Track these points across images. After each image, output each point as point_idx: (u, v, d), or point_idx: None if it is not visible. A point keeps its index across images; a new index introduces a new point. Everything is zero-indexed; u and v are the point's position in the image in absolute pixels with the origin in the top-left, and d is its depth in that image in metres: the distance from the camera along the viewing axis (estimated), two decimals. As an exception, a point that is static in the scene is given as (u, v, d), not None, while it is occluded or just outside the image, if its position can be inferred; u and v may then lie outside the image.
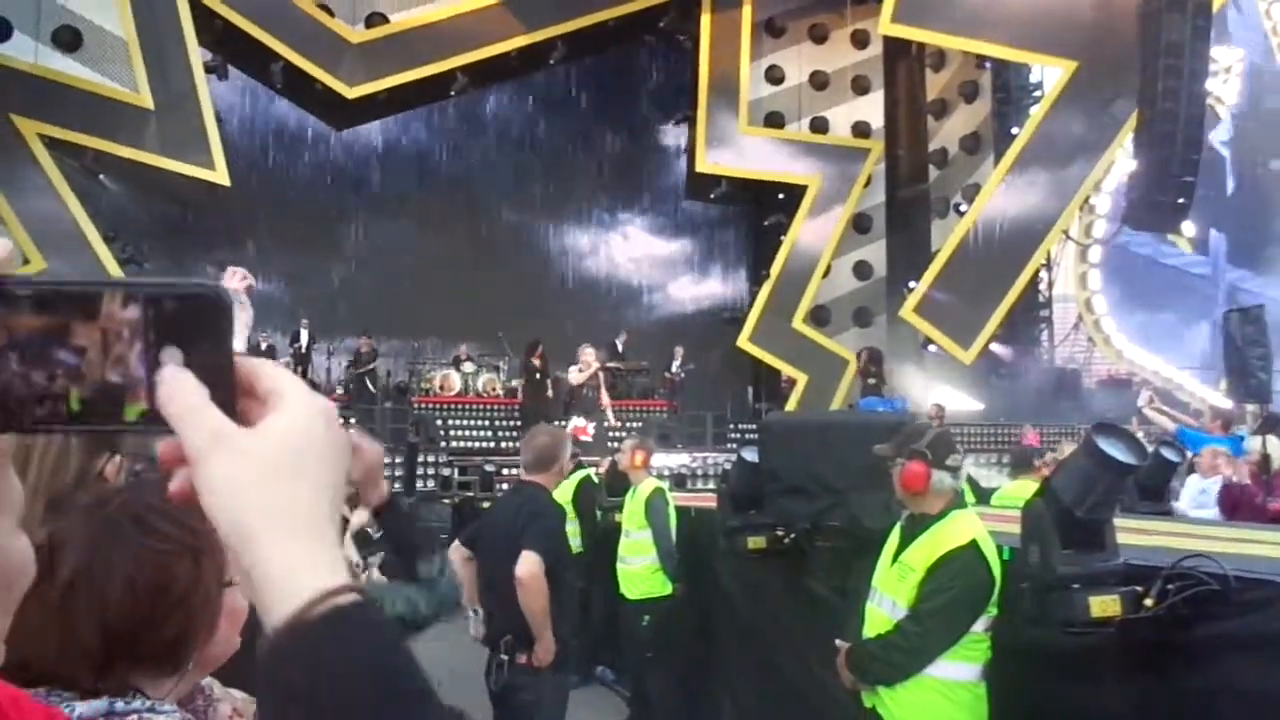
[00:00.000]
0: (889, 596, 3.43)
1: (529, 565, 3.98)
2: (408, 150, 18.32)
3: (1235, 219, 18.37)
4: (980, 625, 3.29)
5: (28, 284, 0.59)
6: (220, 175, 14.11)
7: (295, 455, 0.61)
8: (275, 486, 0.60)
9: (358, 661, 0.57)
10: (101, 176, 14.33)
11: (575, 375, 14.75)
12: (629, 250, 19.32)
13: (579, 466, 8.32)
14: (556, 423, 12.40)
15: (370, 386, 15.62)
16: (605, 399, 14.88)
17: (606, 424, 14.43)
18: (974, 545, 3.28)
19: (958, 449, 3.55)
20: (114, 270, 12.60)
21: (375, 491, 2.36)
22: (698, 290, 19.46)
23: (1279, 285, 19.81)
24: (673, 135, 18.86)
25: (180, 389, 0.60)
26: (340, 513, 0.62)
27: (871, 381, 14.73)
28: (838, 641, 3.56)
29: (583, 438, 12.01)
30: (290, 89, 16.32)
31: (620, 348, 16.30)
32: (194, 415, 0.60)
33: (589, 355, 14.75)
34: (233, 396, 0.62)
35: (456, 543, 4.62)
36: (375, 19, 16.38)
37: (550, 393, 15.20)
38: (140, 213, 15.23)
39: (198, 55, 14.39)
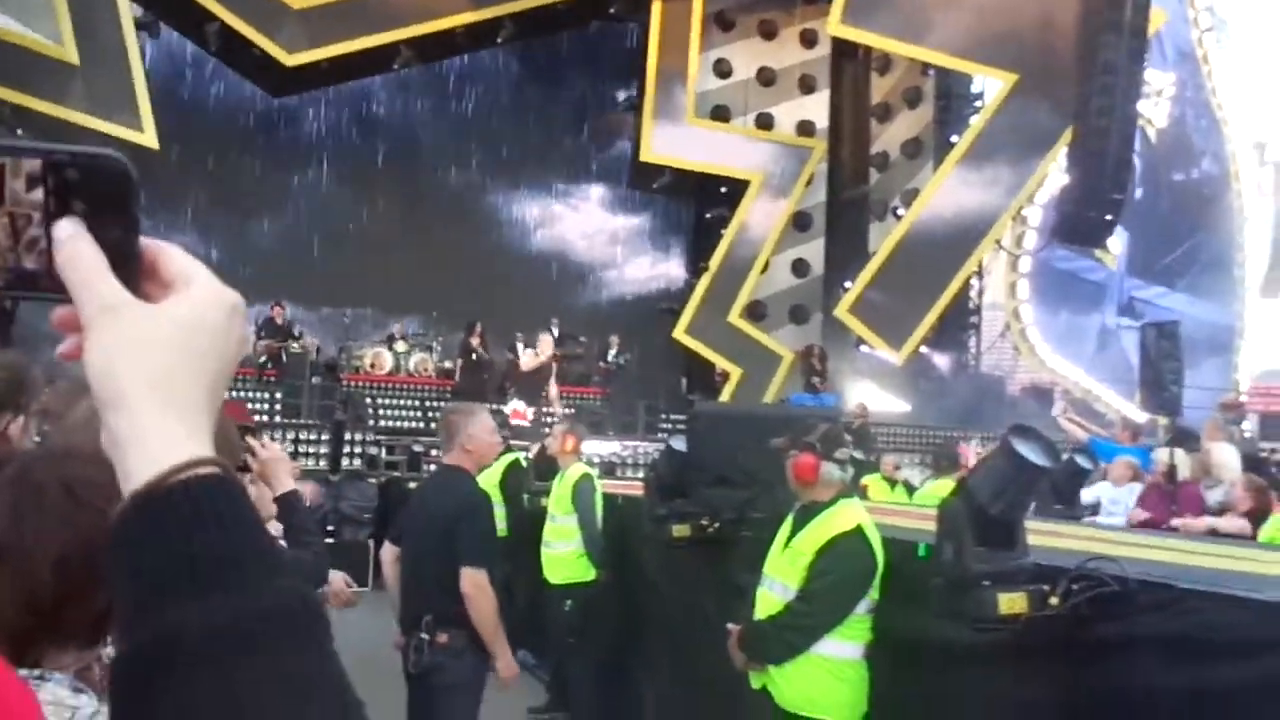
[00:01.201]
0: (779, 580, 3.60)
1: (474, 580, 3.93)
2: (347, 114, 17.92)
3: (1139, 228, 18.97)
4: (863, 607, 3.50)
5: None
6: (149, 138, 13.67)
7: (186, 332, 0.61)
8: (158, 357, 0.60)
9: (208, 529, 0.56)
10: (19, 132, 13.78)
11: (528, 359, 14.65)
12: (567, 233, 19.24)
13: (508, 449, 8.30)
14: (493, 406, 12.35)
15: (282, 359, 14.76)
16: (554, 389, 14.78)
17: (547, 409, 14.40)
18: (859, 530, 3.51)
19: (847, 443, 3.78)
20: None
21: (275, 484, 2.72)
22: (635, 278, 19.47)
23: (1174, 296, 20.55)
24: (617, 122, 18.81)
25: (77, 253, 0.60)
26: (219, 402, 0.63)
27: (815, 380, 14.92)
28: (729, 625, 3.69)
29: (516, 421, 11.98)
30: (226, 52, 15.85)
31: (556, 332, 16.27)
32: (90, 281, 0.60)
33: (547, 342, 14.69)
34: (135, 273, 0.62)
35: (387, 544, 4.56)
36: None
37: (487, 375, 15.11)
38: None
39: (129, 10, 13.91)
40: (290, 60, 15.33)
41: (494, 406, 12.98)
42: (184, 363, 0.60)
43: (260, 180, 17.17)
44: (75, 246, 0.60)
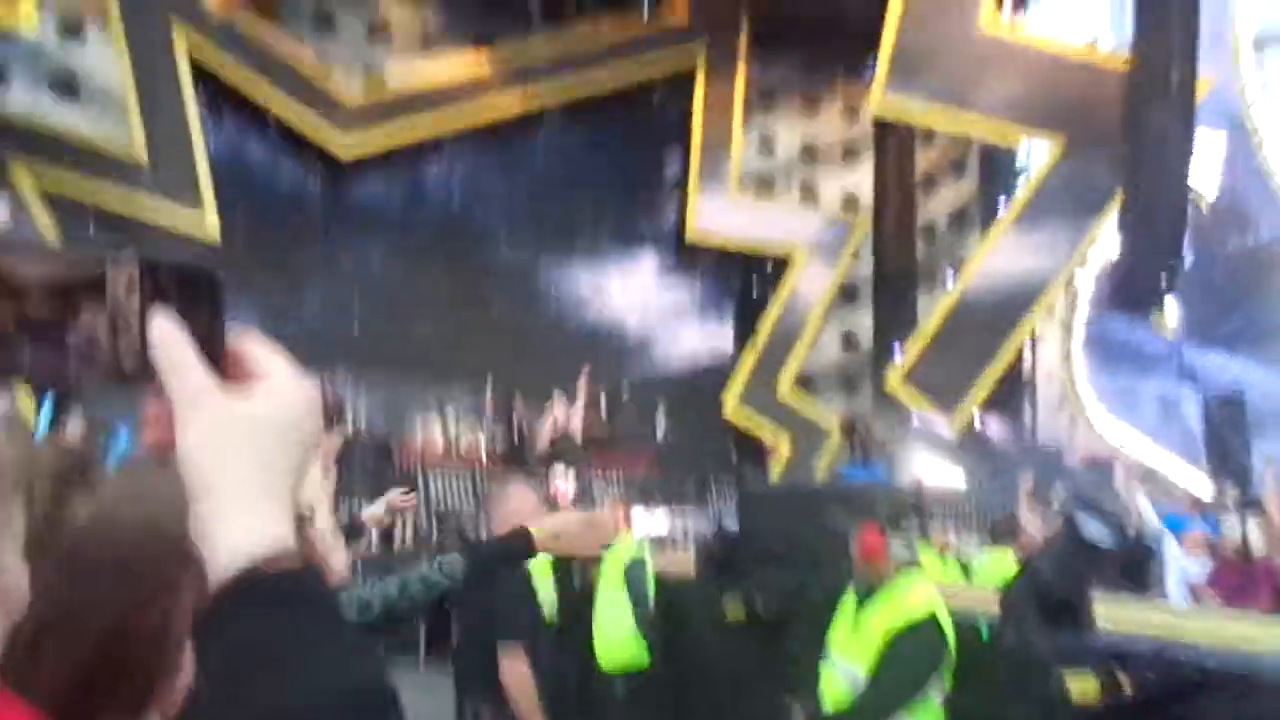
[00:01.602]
0: (846, 661, 3.48)
1: (509, 666, 3.82)
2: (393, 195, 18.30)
3: (1194, 297, 18.60)
4: (936, 694, 3.38)
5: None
6: (211, 231, 14.14)
7: (270, 426, 0.64)
8: (250, 450, 0.62)
9: (291, 624, 0.58)
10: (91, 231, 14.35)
11: (542, 440, 14.51)
12: (612, 313, 19.34)
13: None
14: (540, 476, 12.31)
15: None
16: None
17: (591, 479, 14.28)
18: (932, 616, 3.41)
19: (909, 515, 3.71)
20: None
21: None
22: (683, 355, 19.48)
23: (1235, 363, 19.96)
24: (665, 202, 19.04)
25: (170, 340, 0.64)
26: (299, 492, 0.65)
27: (857, 451, 14.73)
28: (795, 706, 3.58)
29: (558, 500, 11.85)
30: (283, 143, 16.46)
31: (603, 401, 16.22)
32: (180, 368, 0.63)
33: (557, 408, 14.59)
34: (222, 364, 0.65)
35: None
36: (373, 80, 16.61)
37: (527, 451, 15.04)
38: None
39: (195, 109, 14.53)
40: (346, 155, 15.85)
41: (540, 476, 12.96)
42: (268, 453, 0.63)
43: (313, 258, 17.47)
44: (167, 333, 0.64)
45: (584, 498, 12.80)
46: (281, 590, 0.59)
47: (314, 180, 17.15)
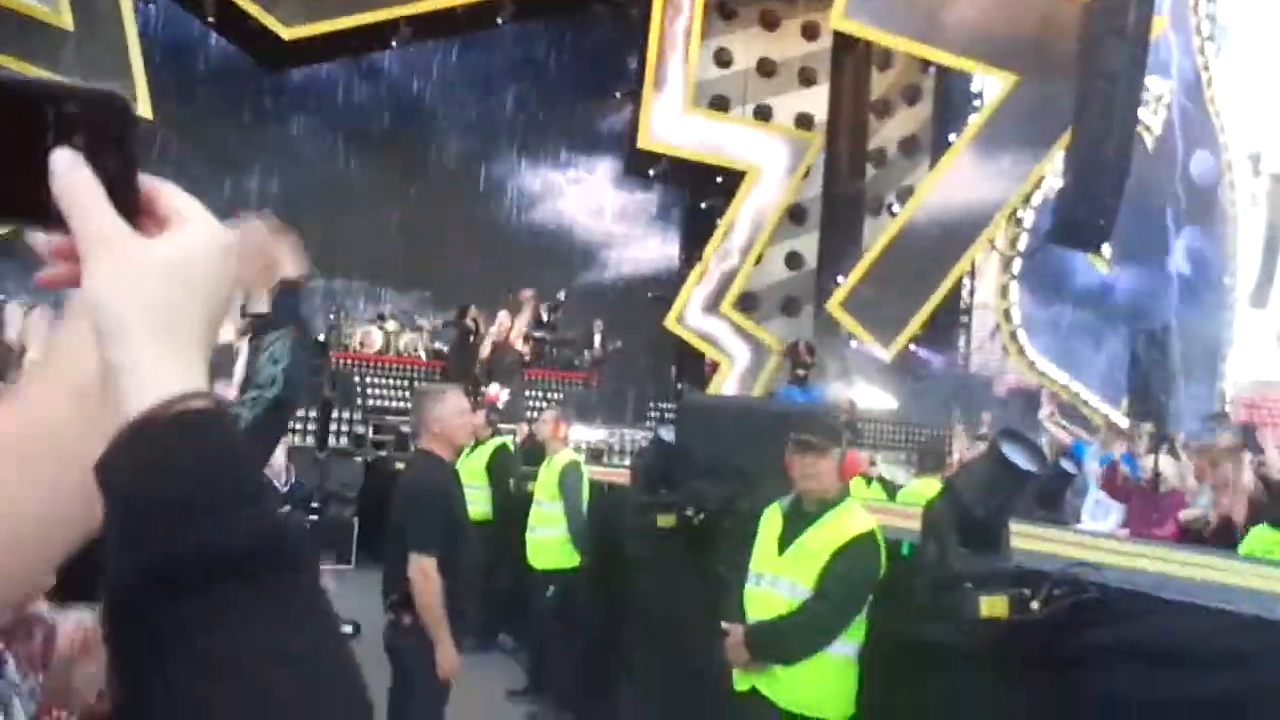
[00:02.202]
0: (786, 578, 3.56)
1: (420, 566, 3.92)
2: (341, 81, 17.68)
3: (1128, 233, 18.99)
4: (864, 610, 3.53)
5: None
6: (143, 107, 13.54)
7: (184, 271, 0.61)
8: (156, 291, 0.60)
9: (200, 464, 0.55)
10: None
11: (485, 347, 14.48)
12: (559, 216, 19.13)
13: (496, 433, 8.30)
14: (477, 389, 12.32)
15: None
16: (498, 391, 14.18)
17: (527, 393, 14.35)
18: (872, 533, 3.55)
19: (842, 437, 3.84)
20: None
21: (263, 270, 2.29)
22: (625, 264, 19.40)
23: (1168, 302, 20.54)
24: (614, 109, 18.72)
25: (76, 181, 0.60)
26: (213, 339, 0.63)
27: (800, 372, 14.93)
28: (725, 624, 3.66)
29: (494, 403, 11.93)
30: (221, 22, 15.69)
31: (545, 315, 16.20)
32: (88, 210, 0.60)
33: (504, 319, 14.57)
34: (133, 208, 0.62)
35: None
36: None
37: (477, 358, 14.98)
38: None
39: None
40: (288, 34, 15.18)
41: (482, 389, 12.98)
42: (181, 298, 0.61)
43: (252, 142, 16.90)
44: (73, 175, 0.60)
45: (518, 407, 12.86)
46: (190, 424, 0.56)
47: (250, 60, 16.45)
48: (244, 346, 2.65)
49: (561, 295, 16.34)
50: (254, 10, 14.94)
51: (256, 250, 2.31)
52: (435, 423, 4.15)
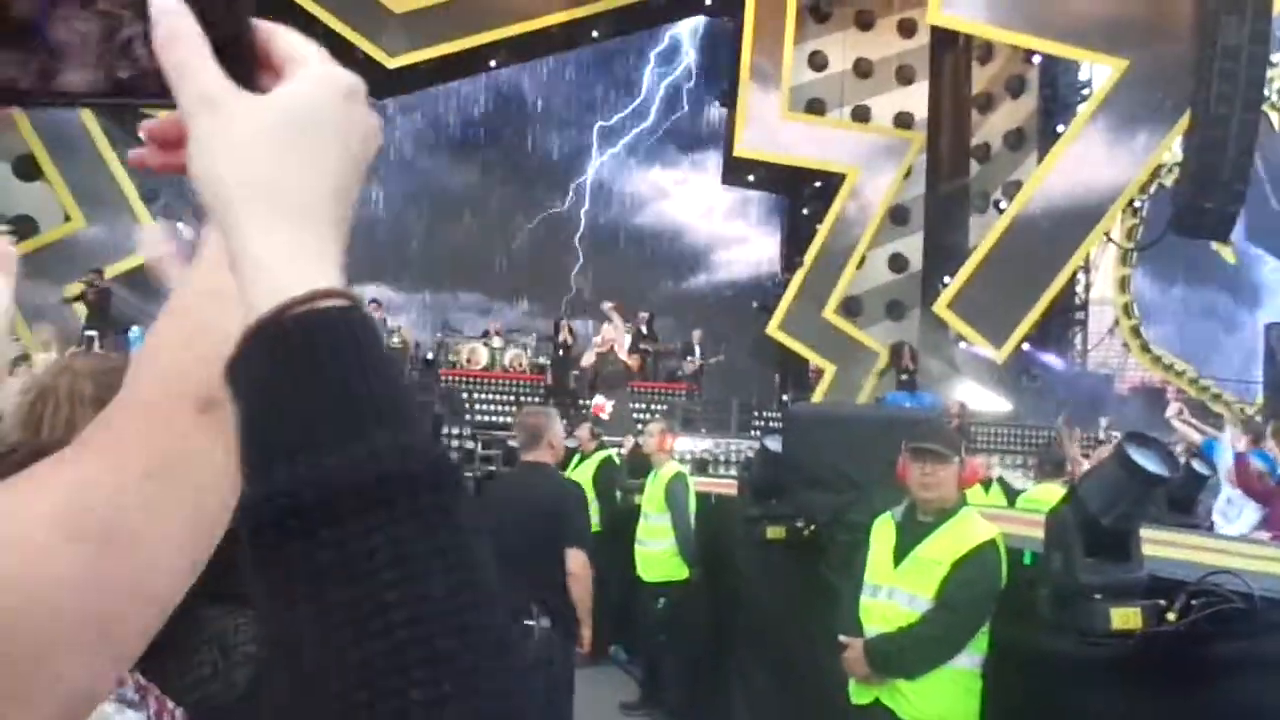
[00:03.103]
0: (904, 590, 3.48)
1: (580, 561, 4.34)
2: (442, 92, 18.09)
3: (1260, 222, 17.97)
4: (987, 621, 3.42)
5: None
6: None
7: (295, 127, 0.52)
8: (263, 158, 0.51)
9: (325, 378, 0.46)
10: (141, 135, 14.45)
11: (588, 356, 14.62)
12: (662, 226, 19.19)
13: (601, 446, 8.36)
14: (576, 402, 12.44)
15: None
16: (604, 403, 14.29)
17: (631, 405, 14.42)
18: (995, 542, 3.44)
19: (955, 443, 3.73)
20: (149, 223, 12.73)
21: None
22: (723, 269, 19.32)
23: None
24: (712, 117, 18.72)
25: (177, 30, 0.52)
26: (348, 210, 0.53)
27: (905, 377, 14.63)
28: (843, 638, 3.59)
29: (599, 415, 12.04)
30: (330, 54, 16.30)
31: (644, 329, 16.27)
32: (189, 65, 0.52)
33: (607, 330, 14.69)
34: (248, 65, 0.53)
35: None
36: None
37: (576, 371, 15.19)
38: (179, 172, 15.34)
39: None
40: (392, 63, 15.71)
41: (583, 401, 13.10)
42: (297, 162, 0.51)
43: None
44: (175, 23, 0.52)
45: (623, 419, 12.94)
46: (327, 326, 0.47)
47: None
48: None
49: (669, 303, 16.38)
50: (359, 41, 15.50)
51: None
52: (555, 439, 4.56)
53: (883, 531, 3.68)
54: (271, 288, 0.48)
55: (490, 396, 15.29)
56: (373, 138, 0.56)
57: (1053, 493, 5.46)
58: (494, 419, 14.60)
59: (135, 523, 0.58)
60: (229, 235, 0.50)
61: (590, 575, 4.37)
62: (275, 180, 0.51)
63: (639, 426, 9.37)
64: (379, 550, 0.44)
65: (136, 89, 0.53)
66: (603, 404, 13.30)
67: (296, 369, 0.47)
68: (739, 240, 19.16)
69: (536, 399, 15.08)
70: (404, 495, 0.45)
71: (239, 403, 0.48)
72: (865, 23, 17.68)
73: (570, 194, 18.15)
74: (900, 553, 3.56)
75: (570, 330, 15.07)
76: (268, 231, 0.50)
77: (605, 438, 8.83)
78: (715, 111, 18.75)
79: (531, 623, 4.18)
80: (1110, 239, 16.87)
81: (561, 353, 14.97)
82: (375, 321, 0.50)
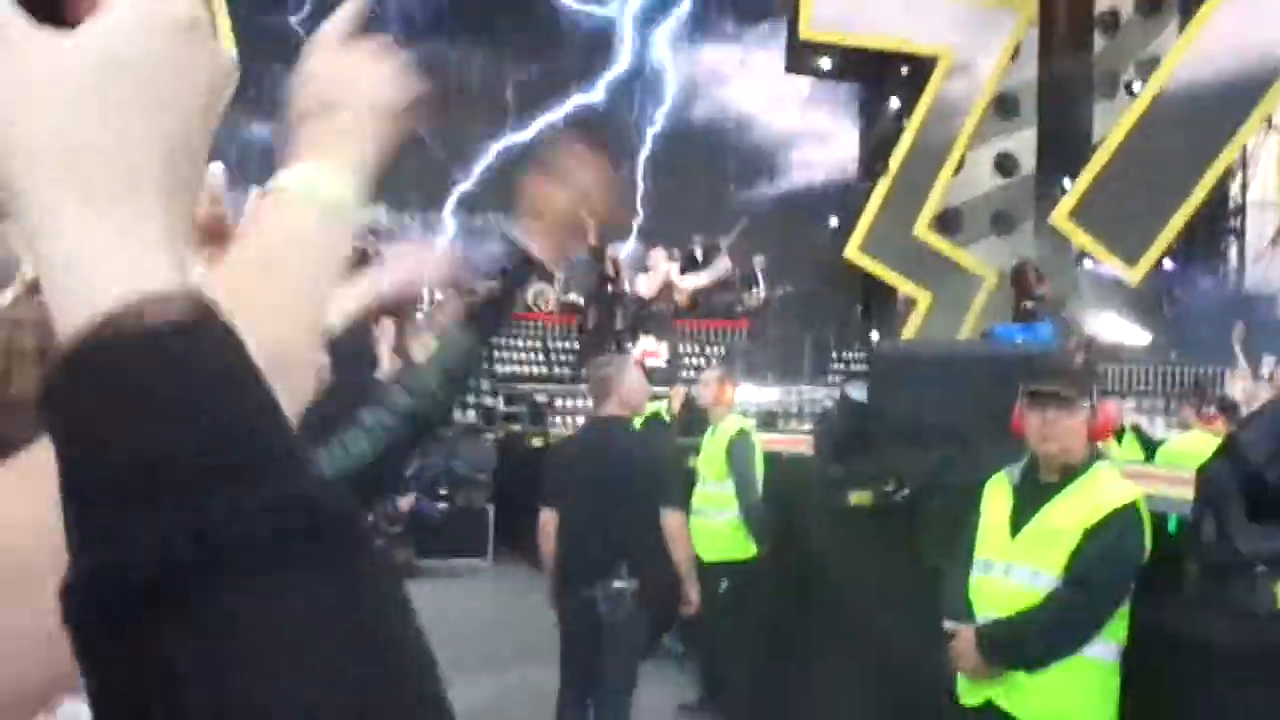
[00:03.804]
0: (1024, 565, 3.48)
1: (678, 520, 4.98)
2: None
3: None
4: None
5: None
6: (227, 44, 14.25)
7: (112, 70, 0.47)
8: (69, 112, 0.46)
9: (162, 415, 0.41)
10: None
11: (644, 285, 14.67)
12: (715, 122, 19.05)
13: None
14: (620, 346, 12.48)
15: None
16: (643, 345, 14.26)
17: (681, 348, 14.47)
18: (1136, 506, 3.36)
19: (1083, 384, 3.70)
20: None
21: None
22: (789, 184, 19.20)
23: None
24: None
25: None
26: (190, 173, 0.49)
27: (1029, 305, 14.48)
28: (949, 624, 3.58)
29: (650, 361, 12.08)
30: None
31: (700, 251, 16.22)
32: None
33: (659, 257, 14.68)
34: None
35: (547, 510, 5.09)
36: None
37: (619, 309, 15.17)
38: None
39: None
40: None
41: (627, 345, 13.15)
42: (116, 118, 0.46)
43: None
44: None
45: (672, 365, 12.98)
46: (163, 350, 0.42)
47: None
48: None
49: (724, 241, 16.33)
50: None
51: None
52: (628, 392, 4.91)
53: (996, 495, 3.65)
54: (86, 292, 0.43)
55: (512, 343, 15.36)
56: (221, 82, 0.52)
57: (1202, 442, 5.41)
58: (518, 369, 14.73)
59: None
60: (24, 218, 0.45)
61: (689, 534, 5.06)
62: (86, 142, 0.46)
63: (692, 374, 9.40)
64: (246, 623, 0.40)
65: None
66: (654, 348, 13.37)
67: (120, 406, 0.42)
68: (809, 139, 19.00)
69: (567, 344, 15.16)
70: (279, 554, 0.41)
71: (55, 437, 0.43)
72: None
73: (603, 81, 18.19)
74: (1018, 521, 3.51)
75: (616, 261, 14.94)
76: (78, 213, 0.45)
77: (653, 390, 8.88)
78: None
79: (621, 584, 4.64)
80: (1273, 126, 16.50)
81: (610, 286, 14.81)
82: (228, 326, 0.45)
